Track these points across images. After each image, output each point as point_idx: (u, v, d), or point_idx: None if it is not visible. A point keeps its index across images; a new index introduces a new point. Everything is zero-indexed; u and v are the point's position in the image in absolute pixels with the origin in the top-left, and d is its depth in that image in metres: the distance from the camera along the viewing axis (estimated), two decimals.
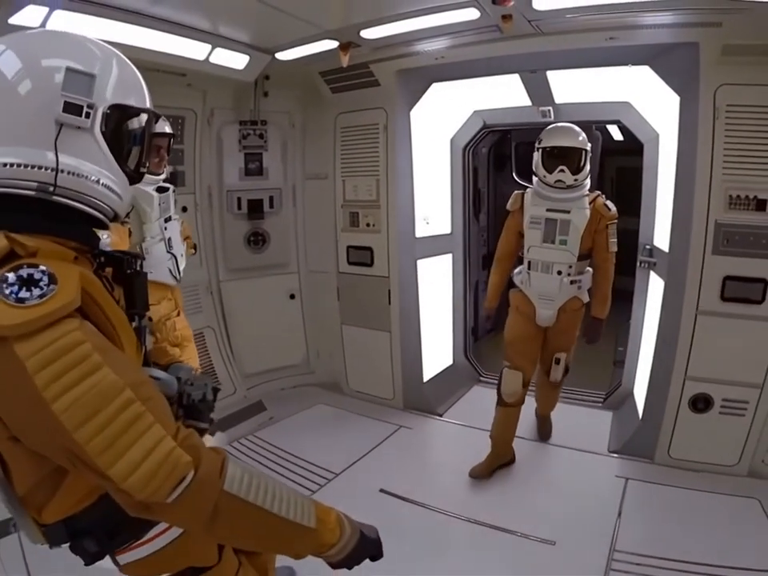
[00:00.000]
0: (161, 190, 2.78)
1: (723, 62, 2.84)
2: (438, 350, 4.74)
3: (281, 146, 4.53)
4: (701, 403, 3.24)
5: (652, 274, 3.94)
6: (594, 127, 6.19)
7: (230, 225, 4.43)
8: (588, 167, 3.10)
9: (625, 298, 4.69)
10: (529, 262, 3.27)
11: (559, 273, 3.18)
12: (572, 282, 3.21)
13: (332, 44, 3.44)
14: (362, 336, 4.43)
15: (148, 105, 1.17)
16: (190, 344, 3.00)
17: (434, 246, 4.56)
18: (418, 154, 4.18)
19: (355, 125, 4.12)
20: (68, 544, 1.20)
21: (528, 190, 3.30)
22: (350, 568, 1.24)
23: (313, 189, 4.63)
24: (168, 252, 2.81)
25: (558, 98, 4.10)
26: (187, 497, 0.97)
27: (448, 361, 4.91)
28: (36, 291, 0.90)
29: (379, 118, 3.96)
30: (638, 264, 4.07)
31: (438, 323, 4.74)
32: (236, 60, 3.65)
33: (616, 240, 3.22)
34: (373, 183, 4.08)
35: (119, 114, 1.10)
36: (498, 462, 3.45)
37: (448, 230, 4.78)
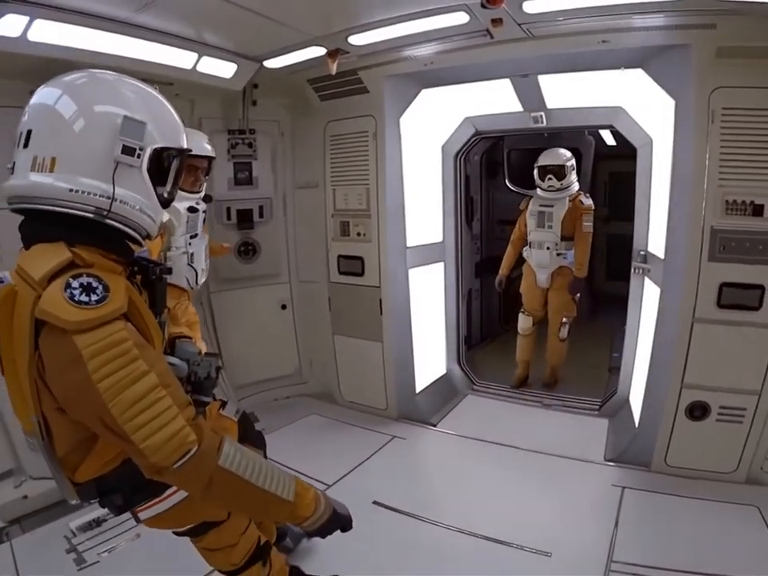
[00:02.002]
0: (192, 210, 3.09)
1: (717, 64, 2.81)
2: (431, 359, 4.70)
3: (270, 155, 4.49)
4: (698, 411, 3.20)
5: (647, 280, 3.90)
6: (587, 132, 6.23)
7: (219, 235, 4.33)
8: (572, 176, 4.50)
9: (619, 304, 4.69)
10: (530, 243, 4.68)
11: (548, 248, 4.55)
12: (558, 254, 4.55)
13: (320, 51, 3.41)
14: (354, 346, 4.39)
15: (183, 144, 1.48)
16: (196, 327, 3.38)
17: (425, 254, 4.52)
18: (409, 161, 4.14)
19: (344, 133, 4.08)
20: (97, 500, 1.51)
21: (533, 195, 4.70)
22: (323, 537, 1.56)
23: (303, 198, 4.59)
24: (189, 265, 3.14)
25: (550, 103, 4.06)
26: (189, 466, 1.27)
27: (441, 370, 4.87)
28: (94, 297, 1.20)
29: (368, 126, 3.92)
30: (633, 270, 4.03)
31: (430, 332, 4.70)
32: (223, 68, 3.61)
33: (590, 224, 4.45)
34: (363, 192, 4.04)
35: (161, 154, 1.40)
36: (523, 375, 4.94)
37: (440, 239, 4.75)
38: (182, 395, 1.36)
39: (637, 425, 3.69)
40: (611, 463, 3.59)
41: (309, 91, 4.05)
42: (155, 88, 1.45)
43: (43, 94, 1.33)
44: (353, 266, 4.22)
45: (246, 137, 4.28)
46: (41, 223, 1.31)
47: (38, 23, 2.61)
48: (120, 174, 1.32)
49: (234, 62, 3.61)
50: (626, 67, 3.28)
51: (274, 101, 4.33)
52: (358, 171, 4.06)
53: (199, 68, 3.46)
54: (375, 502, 3.20)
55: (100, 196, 1.30)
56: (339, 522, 1.57)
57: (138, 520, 1.62)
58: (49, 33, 2.69)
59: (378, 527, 2.97)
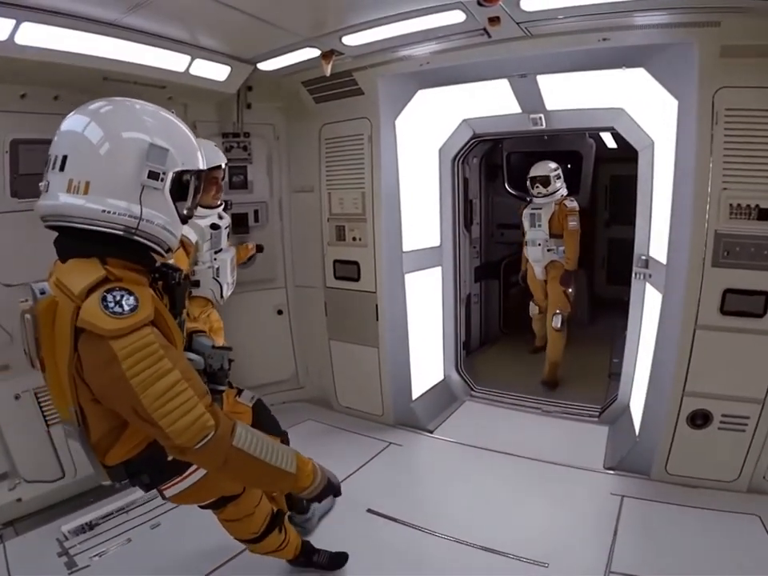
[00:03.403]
0: (214, 227, 3.25)
1: (722, 63, 2.74)
2: (428, 364, 4.66)
3: (266, 159, 4.44)
4: (699, 419, 3.15)
5: (648, 286, 3.85)
6: (588, 135, 6.20)
7: None
8: (558, 183, 5.08)
9: (620, 308, 4.67)
10: (526, 241, 5.28)
11: (539, 245, 5.14)
12: (548, 250, 5.13)
13: (314, 52, 3.37)
14: (351, 352, 4.35)
15: (200, 165, 1.66)
16: (220, 333, 3.56)
17: (422, 259, 4.48)
18: (405, 165, 4.10)
19: (339, 136, 4.04)
20: (127, 480, 1.75)
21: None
22: (319, 502, 1.90)
23: (299, 202, 4.54)
24: (214, 279, 3.26)
25: (550, 105, 4.02)
26: (208, 446, 1.49)
27: (439, 376, 4.82)
28: (126, 307, 1.41)
29: (363, 129, 3.88)
30: (634, 275, 3.99)
31: (428, 338, 4.66)
32: (217, 71, 3.58)
33: (576, 223, 4.96)
34: (359, 196, 4.00)
35: (181, 176, 1.59)
36: (540, 345, 5.72)
37: (437, 243, 4.70)
38: (201, 386, 1.56)
39: (637, 432, 3.64)
40: (611, 471, 3.55)
41: (303, 93, 4.01)
42: (172, 112, 1.65)
43: (73, 122, 1.52)
44: (348, 270, 4.18)
45: (240, 140, 4.23)
46: (75, 240, 1.51)
47: (25, 26, 2.57)
48: (146, 195, 1.51)
49: (228, 65, 3.58)
50: (628, 66, 3.22)
51: (269, 104, 4.28)
52: (353, 175, 4.02)
53: (192, 71, 3.42)
54: (370, 510, 3.17)
55: (129, 216, 1.49)
56: (332, 489, 1.88)
57: (164, 497, 1.88)
58: (37, 36, 2.65)
59: (372, 536, 2.95)
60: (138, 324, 1.42)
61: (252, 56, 3.56)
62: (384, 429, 4.23)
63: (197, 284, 3.20)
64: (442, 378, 4.85)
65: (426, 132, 4.38)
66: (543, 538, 2.89)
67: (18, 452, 3.15)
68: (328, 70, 3.38)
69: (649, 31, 2.89)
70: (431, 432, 4.21)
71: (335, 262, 4.26)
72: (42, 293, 1.48)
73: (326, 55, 3.33)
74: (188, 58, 3.32)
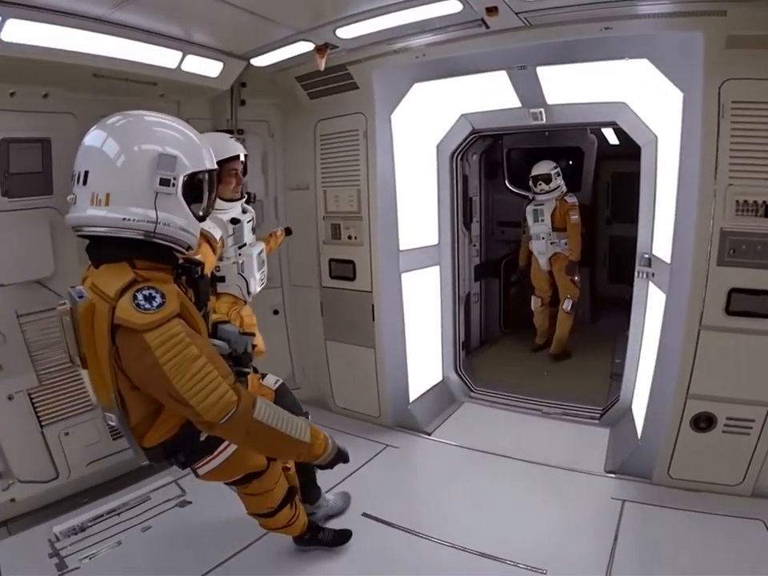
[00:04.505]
0: (234, 221, 3.18)
1: (728, 54, 2.66)
2: (426, 365, 4.61)
3: (261, 157, 4.39)
4: (703, 422, 3.09)
5: (651, 285, 3.79)
6: (589, 131, 6.13)
7: None
8: (558, 180, 5.50)
9: (622, 307, 4.67)
10: (531, 235, 5.68)
11: (543, 238, 5.58)
12: (551, 243, 5.57)
13: (308, 46, 3.33)
14: (347, 352, 4.31)
15: (208, 164, 1.81)
16: (254, 329, 3.43)
17: (419, 258, 4.42)
18: (402, 161, 4.05)
19: (334, 132, 4.00)
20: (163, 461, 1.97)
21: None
22: (331, 468, 2.05)
23: (295, 200, 4.49)
24: (239, 274, 3.22)
25: (550, 99, 3.94)
26: (232, 420, 1.70)
27: (437, 377, 4.78)
28: (155, 303, 1.60)
29: (358, 124, 3.82)
30: (636, 274, 3.93)
31: (426, 338, 4.61)
32: (209, 67, 3.53)
33: (577, 217, 5.41)
34: (354, 193, 3.95)
35: (191, 178, 1.75)
36: (541, 342, 5.99)
37: (435, 242, 4.64)
38: (225, 368, 1.76)
39: (639, 435, 3.59)
40: (612, 475, 3.50)
41: (298, 89, 3.96)
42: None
43: (92, 138, 1.68)
44: (344, 270, 4.14)
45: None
46: (104, 246, 1.70)
47: (11, 23, 2.53)
48: (160, 201, 1.67)
49: (220, 61, 3.53)
50: (631, 57, 3.14)
51: (263, 100, 4.23)
52: (348, 172, 3.97)
53: (184, 67, 3.38)
54: (365, 514, 3.14)
55: (147, 222, 1.66)
56: (341, 457, 2.06)
57: (197, 475, 2.09)
58: (24, 33, 2.61)
59: (366, 541, 2.92)
60: (166, 317, 1.61)
61: (245, 51, 3.52)
62: (381, 431, 4.19)
63: (222, 280, 3.16)
64: (440, 378, 4.80)
65: (422, 127, 4.32)
66: (542, 544, 2.86)
67: (11, 452, 3.17)
68: (322, 64, 3.35)
69: (653, 20, 2.82)
70: (429, 434, 4.17)
71: (331, 261, 4.22)
72: (80, 296, 1.64)
73: (320, 49, 3.30)
74: (179, 54, 3.28)
